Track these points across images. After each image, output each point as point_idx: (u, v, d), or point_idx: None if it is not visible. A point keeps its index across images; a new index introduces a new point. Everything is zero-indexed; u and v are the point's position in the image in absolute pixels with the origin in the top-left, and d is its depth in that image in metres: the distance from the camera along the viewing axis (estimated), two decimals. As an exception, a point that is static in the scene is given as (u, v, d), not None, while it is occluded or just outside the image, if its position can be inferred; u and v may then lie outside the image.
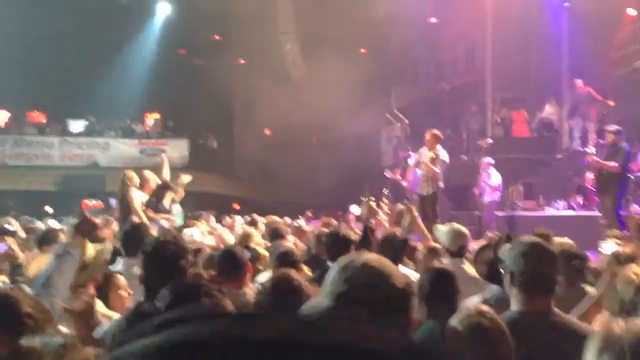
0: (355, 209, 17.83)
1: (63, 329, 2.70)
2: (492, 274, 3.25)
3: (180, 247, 2.84)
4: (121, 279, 3.41)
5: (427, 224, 6.46)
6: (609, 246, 5.38)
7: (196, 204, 17.63)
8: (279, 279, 2.73)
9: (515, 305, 2.52)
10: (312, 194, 21.25)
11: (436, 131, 9.79)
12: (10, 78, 18.45)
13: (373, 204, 5.84)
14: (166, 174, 9.16)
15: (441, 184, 9.52)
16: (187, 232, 5.83)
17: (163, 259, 2.75)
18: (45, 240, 4.94)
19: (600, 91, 14.54)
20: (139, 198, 8.16)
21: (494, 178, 11.45)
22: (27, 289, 3.79)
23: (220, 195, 21.35)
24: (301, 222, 10.37)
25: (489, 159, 11.17)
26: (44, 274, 2.69)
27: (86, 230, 2.90)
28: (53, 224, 11.26)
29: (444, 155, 9.54)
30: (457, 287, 2.97)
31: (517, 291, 2.54)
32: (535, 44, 16.67)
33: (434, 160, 9.37)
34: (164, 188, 8.79)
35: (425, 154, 9.54)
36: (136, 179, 8.42)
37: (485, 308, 2.20)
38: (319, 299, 1.73)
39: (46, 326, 2.20)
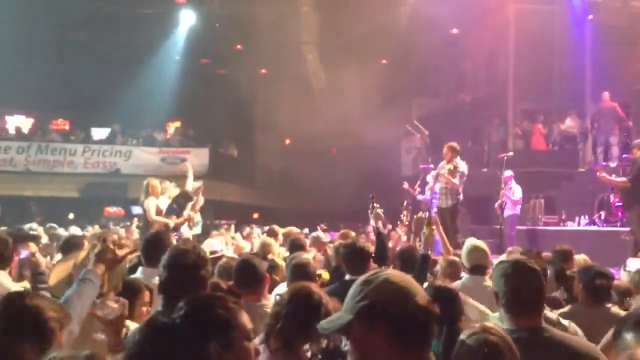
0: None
1: (100, 335, 2.72)
2: None
3: (200, 257, 2.84)
4: (146, 296, 3.41)
5: (447, 237, 6.40)
6: (635, 263, 5.29)
7: (215, 213, 17.73)
8: (298, 291, 2.70)
9: (505, 325, 2.51)
10: (332, 204, 21.23)
11: (454, 143, 9.79)
12: (36, 86, 18.78)
13: (380, 211, 5.78)
14: (189, 184, 9.22)
15: (460, 197, 9.48)
16: (207, 243, 5.85)
17: (183, 268, 2.75)
18: (68, 246, 4.98)
19: (623, 105, 14.35)
20: (155, 206, 8.21)
21: (516, 191, 11.32)
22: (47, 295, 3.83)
23: (239, 204, 21.42)
24: (319, 233, 10.35)
25: (510, 172, 11.05)
26: (65, 296, 2.71)
27: (107, 261, 2.93)
28: (75, 230, 11.43)
29: (463, 167, 9.53)
30: (458, 307, 2.90)
31: (503, 310, 2.54)
32: (558, 56, 16.50)
33: (452, 172, 9.35)
34: (185, 197, 8.84)
35: (444, 166, 9.52)
36: (158, 188, 8.49)
37: (490, 324, 2.17)
38: (339, 313, 1.73)
39: (66, 324, 2.24)
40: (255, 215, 20.73)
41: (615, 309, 3.89)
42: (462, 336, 2.07)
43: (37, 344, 2.03)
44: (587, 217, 11.96)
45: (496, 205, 11.14)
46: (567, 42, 16.16)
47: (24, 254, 4.36)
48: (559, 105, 16.39)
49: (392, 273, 1.66)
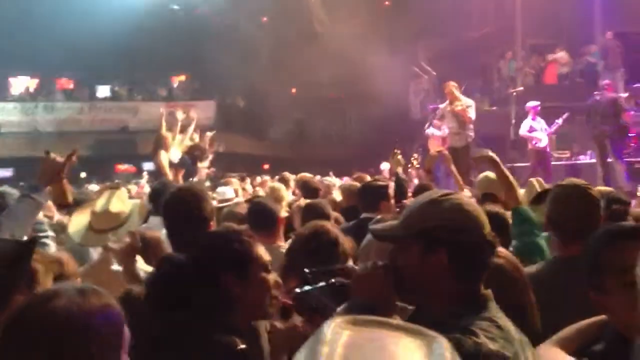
0: (386, 166, 17.76)
1: (116, 267, 2.72)
2: None
3: (198, 194, 2.79)
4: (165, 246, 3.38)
5: (462, 177, 6.36)
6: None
7: (225, 166, 17.75)
8: (315, 230, 2.69)
9: (555, 250, 2.45)
10: (343, 150, 21.17)
11: (452, 83, 9.67)
12: (38, 45, 18.59)
13: (401, 157, 5.75)
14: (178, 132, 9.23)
15: (473, 134, 9.41)
16: (220, 190, 5.85)
17: (182, 206, 2.70)
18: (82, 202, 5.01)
19: (635, 36, 14.01)
20: (167, 160, 8.22)
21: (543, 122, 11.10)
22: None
23: (249, 155, 21.44)
24: (331, 179, 10.38)
25: (535, 103, 10.79)
26: None
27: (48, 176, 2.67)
28: (93, 188, 11.50)
29: (469, 101, 9.54)
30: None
31: (554, 236, 2.47)
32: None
33: (465, 109, 9.27)
34: (201, 150, 8.85)
35: (455, 104, 9.40)
36: (169, 139, 8.49)
37: (500, 249, 2.14)
38: (393, 222, 1.67)
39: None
40: (266, 166, 20.73)
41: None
42: None
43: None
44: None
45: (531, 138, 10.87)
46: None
47: None
48: (569, 39, 16.02)
49: (464, 198, 1.60)
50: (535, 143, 10.77)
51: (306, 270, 2.03)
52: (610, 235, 1.77)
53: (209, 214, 2.71)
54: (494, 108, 16.08)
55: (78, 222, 3.24)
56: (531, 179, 4.48)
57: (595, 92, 9.91)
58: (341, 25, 18.71)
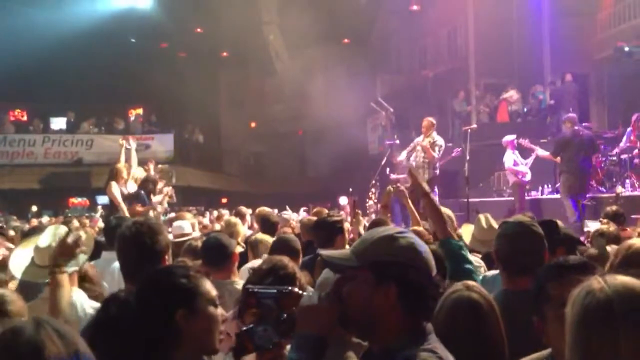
0: (344, 200, 17.85)
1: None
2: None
3: (153, 227, 2.75)
4: (91, 272, 3.30)
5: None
6: (594, 225, 5.41)
7: (183, 199, 17.54)
8: (273, 265, 2.69)
9: (502, 285, 2.52)
10: (301, 186, 21.22)
11: (431, 118, 10.04)
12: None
13: (361, 218, 5.82)
14: (134, 163, 9.14)
15: (437, 171, 9.62)
16: (177, 224, 5.75)
17: (136, 240, 2.67)
18: (29, 235, 4.88)
19: (582, 77, 14.61)
20: (118, 191, 8.07)
21: (507, 160, 11.22)
22: None
23: (207, 189, 21.27)
24: (289, 213, 10.38)
25: (512, 137, 11.02)
26: None
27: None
28: (37, 222, 11.21)
29: (440, 141, 9.76)
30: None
31: (502, 270, 2.56)
32: (517, 29, 16.68)
33: (432, 146, 9.50)
34: (153, 182, 8.71)
35: (421, 141, 9.65)
36: (123, 172, 8.35)
37: (472, 283, 2.18)
38: (346, 253, 1.68)
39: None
40: (224, 200, 20.59)
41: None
42: (445, 293, 2.08)
43: None
44: (550, 185, 12.20)
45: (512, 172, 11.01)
46: (525, 15, 16.34)
47: None
48: (520, 78, 16.60)
49: (418, 239, 1.64)
50: (522, 177, 10.93)
51: (249, 287, 2.04)
52: (556, 268, 1.89)
53: (163, 248, 2.68)
54: (449, 145, 16.41)
55: (21, 256, 3.15)
56: (479, 215, 4.56)
57: (575, 127, 9.62)
58: (300, 62, 18.99)
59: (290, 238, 4.35)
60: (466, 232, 4.49)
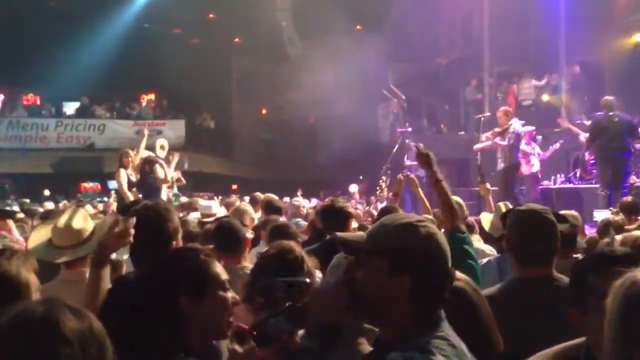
0: (354, 188, 17.83)
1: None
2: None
3: (162, 212, 2.72)
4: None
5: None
6: (601, 214, 5.37)
7: (194, 185, 17.60)
8: (280, 249, 2.68)
9: (514, 273, 2.50)
10: (311, 173, 21.18)
11: (503, 108, 10.19)
12: (4, 60, 18.27)
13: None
14: (142, 148, 9.17)
15: (514, 158, 9.65)
16: (205, 204, 5.74)
17: (144, 225, 2.64)
18: (48, 217, 4.93)
19: (598, 66, 14.42)
20: (125, 178, 8.11)
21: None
22: None
23: (218, 175, 21.30)
24: (299, 199, 10.39)
25: (531, 128, 11.01)
26: None
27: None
28: (50, 206, 11.27)
29: (512, 129, 9.60)
30: None
31: (514, 259, 2.53)
32: (533, 16, 16.48)
33: (504, 133, 9.55)
34: (151, 162, 8.75)
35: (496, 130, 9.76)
36: (130, 158, 8.39)
37: (458, 273, 2.16)
38: (360, 235, 1.67)
39: None
40: (234, 187, 20.63)
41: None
42: None
43: None
44: (562, 175, 12.11)
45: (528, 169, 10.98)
46: (541, 2, 16.13)
47: None
48: (534, 67, 16.43)
49: (437, 230, 1.62)
50: (530, 167, 10.91)
51: (265, 282, 2.03)
52: (598, 258, 1.86)
53: (171, 234, 2.67)
54: (462, 133, 16.33)
55: (38, 237, 3.17)
56: (499, 203, 4.55)
57: (611, 112, 9.20)
58: (312, 48, 18.89)
59: (284, 224, 4.34)
60: (485, 220, 4.49)
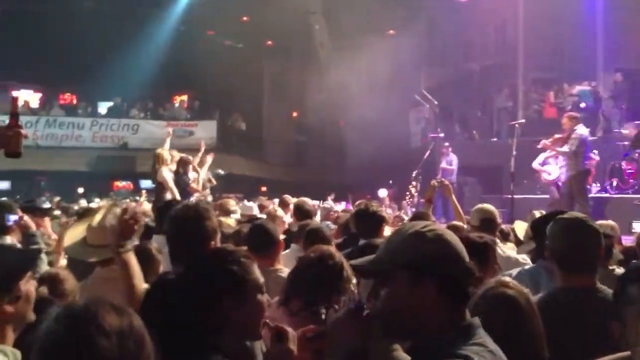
0: (383, 193, 17.76)
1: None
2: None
3: (199, 211, 2.75)
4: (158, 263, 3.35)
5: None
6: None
7: (224, 186, 17.73)
8: (321, 254, 2.69)
9: (557, 282, 2.45)
10: (340, 176, 21.17)
11: (569, 113, 9.85)
12: (42, 60, 18.69)
13: None
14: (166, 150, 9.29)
15: (582, 164, 9.25)
16: (247, 205, 5.82)
17: (184, 224, 2.68)
18: (83, 215, 5.01)
19: (635, 74, 14.13)
20: (170, 176, 8.23)
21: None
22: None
23: (248, 177, 21.41)
24: (330, 203, 10.39)
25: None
26: None
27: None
28: (84, 204, 11.48)
29: (575, 134, 9.24)
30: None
31: (558, 268, 2.48)
32: (569, 23, 16.22)
33: (567, 139, 9.24)
34: (185, 164, 8.87)
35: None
36: (167, 156, 8.50)
37: (506, 279, 2.13)
38: (373, 257, 1.67)
39: None
40: (264, 188, 20.72)
41: (619, 270, 3.84)
42: (480, 291, 2.03)
43: None
44: (598, 184, 11.88)
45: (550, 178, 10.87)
46: (578, 7, 15.87)
47: (11, 219, 4.34)
48: (569, 74, 16.17)
49: (443, 229, 1.62)
50: (547, 175, 10.83)
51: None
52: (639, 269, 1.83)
53: (210, 233, 2.69)
54: (494, 140, 16.15)
55: (74, 235, 3.23)
56: (534, 211, 4.49)
57: None
58: (344, 52, 18.89)
59: (319, 227, 4.34)
60: (519, 228, 4.43)
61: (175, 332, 1.84)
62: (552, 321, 2.05)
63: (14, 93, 20.35)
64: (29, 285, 1.96)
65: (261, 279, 1.99)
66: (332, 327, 1.68)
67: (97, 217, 3.17)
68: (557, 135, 9.46)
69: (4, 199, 10.04)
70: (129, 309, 1.38)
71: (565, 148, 9.17)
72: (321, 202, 11.31)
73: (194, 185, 8.81)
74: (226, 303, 1.86)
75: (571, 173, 9.20)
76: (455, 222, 5.02)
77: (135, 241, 2.81)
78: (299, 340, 1.88)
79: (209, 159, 9.57)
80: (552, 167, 10.84)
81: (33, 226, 4.42)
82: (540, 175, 11.09)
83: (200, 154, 9.61)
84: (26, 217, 4.46)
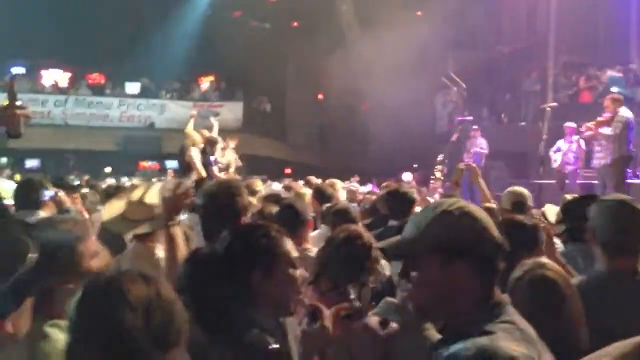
0: (408, 176, 17.66)
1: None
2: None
3: (232, 187, 2.79)
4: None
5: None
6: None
7: (248, 168, 17.80)
8: (349, 234, 2.68)
9: (599, 265, 2.41)
10: (364, 159, 21.10)
11: (611, 95, 9.45)
12: (71, 40, 18.86)
13: None
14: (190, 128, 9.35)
15: (617, 150, 8.93)
16: (276, 188, 5.87)
17: (216, 200, 2.71)
18: (116, 193, 5.08)
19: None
20: (198, 157, 8.31)
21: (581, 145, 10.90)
22: None
23: (272, 159, 21.46)
24: (355, 184, 10.37)
25: (572, 124, 10.60)
26: None
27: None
28: (111, 182, 11.62)
29: (618, 117, 8.95)
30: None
31: (601, 250, 2.43)
32: (603, 6, 15.83)
33: (596, 124, 9.01)
34: (212, 143, 8.95)
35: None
36: (196, 137, 8.57)
37: (545, 260, 2.09)
38: (400, 238, 1.66)
39: None
40: (288, 170, 20.75)
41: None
42: (517, 273, 2.00)
43: None
44: (630, 170, 11.65)
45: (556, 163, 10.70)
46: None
47: (47, 195, 4.40)
48: (601, 59, 15.80)
49: (470, 206, 1.58)
50: (553, 163, 10.79)
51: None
52: None
53: (241, 209, 2.71)
54: (523, 124, 15.91)
55: (112, 210, 3.27)
56: (566, 195, 4.42)
57: None
58: (371, 34, 18.71)
59: (345, 208, 4.33)
60: (551, 211, 4.37)
61: (208, 306, 1.84)
62: (596, 305, 2.01)
63: (44, 72, 20.68)
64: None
65: (294, 253, 1.99)
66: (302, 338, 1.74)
67: (138, 193, 3.21)
68: (599, 118, 9.13)
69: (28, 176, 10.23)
70: (158, 278, 1.39)
71: (609, 131, 8.77)
72: (347, 184, 11.28)
73: (215, 170, 8.87)
74: (256, 276, 1.86)
75: (614, 157, 8.86)
76: (488, 204, 4.97)
77: (185, 215, 2.85)
78: (333, 318, 1.87)
79: (232, 143, 9.64)
80: (557, 155, 10.70)
81: (68, 202, 4.49)
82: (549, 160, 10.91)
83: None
84: (61, 193, 4.53)
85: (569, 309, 1.91)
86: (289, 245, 2.02)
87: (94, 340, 1.25)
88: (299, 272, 2.02)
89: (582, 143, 10.76)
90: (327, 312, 1.90)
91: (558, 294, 1.90)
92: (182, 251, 2.63)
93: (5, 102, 2.79)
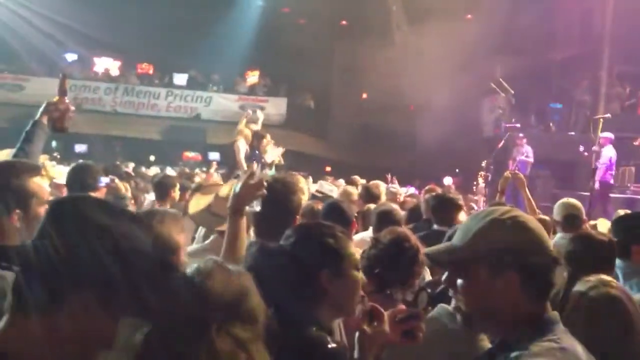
0: (449, 180, 17.47)
1: None
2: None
3: (289, 186, 2.77)
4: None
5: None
6: None
7: (291, 164, 17.86)
8: (397, 236, 2.66)
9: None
10: (406, 161, 20.94)
11: None
12: (123, 30, 19.26)
13: None
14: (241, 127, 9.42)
15: None
16: (327, 187, 5.91)
17: (270, 197, 2.65)
18: (162, 185, 5.18)
19: None
20: (244, 149, 8.39)
21: (603, 155, 10.69)
22: None
23: (313, 156, 21.50)
24: (396, 186, 10.32)
25: (608, 134, 10.37)
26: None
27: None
28: (156, 171, 11.83)
29: None
30: None
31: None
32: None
33: None
34: (258, 138, 9.01)
35: None
36: (246, 131, 8.66)
37: (607, 277, 2.05)
38: (449, 245, 1.65)
39: None
40: (328, 168, 20.75)
41: None
42: (581, 288, 1.96)
43: None
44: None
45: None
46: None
47: (103, 181, 4.48)
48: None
49: (523, 215, 1.53)
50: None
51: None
52: None
53: (296, 207, 2.70)
54: (571, 133, 15.56)
55: (198, 204, 3.33)
56: (619, 210, 4.32)
57: None
58: (420, 35, 18.56)
59: (390, 209, 4.31)
60: (603, 226, 4.27)
61: (273, 303, 1.86)
62: None
63: (96, 60, 21.21)
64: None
65: (357, 255, 2.00)
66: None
67: (225, 189, 3.26)
68: None
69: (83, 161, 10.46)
70: (241, 270, 1.42)
71: None
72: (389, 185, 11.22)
73: (254, 165, 8.93)
74: (324, 276, 1.87)
75: None
76: (542, 216, 4.87)
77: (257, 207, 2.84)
78: (389, 321, 1.87)
79: (270, 145, 9.69)
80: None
81: (123, 189, 4.57)
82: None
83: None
84: (117, 180, 4.62)
85: (633, 326, 1.86)
86: (353, 247, 2.03)
87: None
88: (361, 275, 2.03)
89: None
90: (385, 315, 1.89)
91: (622, 312, 1.86)
92: (242, 243, 2.64)
93: (56, 99, 2.86)
